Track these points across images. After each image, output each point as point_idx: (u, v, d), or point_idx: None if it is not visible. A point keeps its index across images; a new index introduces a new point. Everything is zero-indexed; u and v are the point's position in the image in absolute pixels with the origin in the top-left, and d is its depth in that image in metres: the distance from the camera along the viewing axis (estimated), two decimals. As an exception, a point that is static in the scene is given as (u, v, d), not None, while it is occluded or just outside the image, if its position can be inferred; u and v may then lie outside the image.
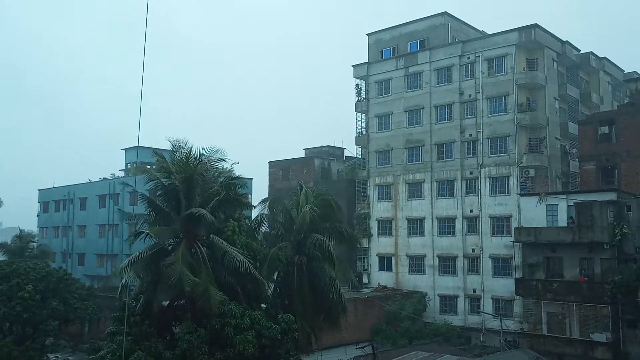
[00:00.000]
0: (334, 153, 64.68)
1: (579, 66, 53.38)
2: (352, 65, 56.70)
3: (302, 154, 64.83)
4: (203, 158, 26.10)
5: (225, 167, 28.67)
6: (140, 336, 24.23)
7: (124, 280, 24.39)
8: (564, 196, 41.03)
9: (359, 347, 31.97)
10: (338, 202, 33.74)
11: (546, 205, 41.15)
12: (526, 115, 46.37)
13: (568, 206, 39.94)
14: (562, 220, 39.97)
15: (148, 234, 24.10)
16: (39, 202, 69.01)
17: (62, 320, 36.54)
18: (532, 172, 45.63)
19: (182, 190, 25.01)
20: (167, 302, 25.52)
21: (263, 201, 31.56)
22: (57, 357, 37.40)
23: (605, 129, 45.72)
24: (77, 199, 62.12)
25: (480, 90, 48.34)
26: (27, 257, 44.64)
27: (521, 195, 44.28)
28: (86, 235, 60.64)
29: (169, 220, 25.66)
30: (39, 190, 69.33)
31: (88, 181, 63.40)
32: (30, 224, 65.22)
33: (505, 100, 47.37)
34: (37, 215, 69.11)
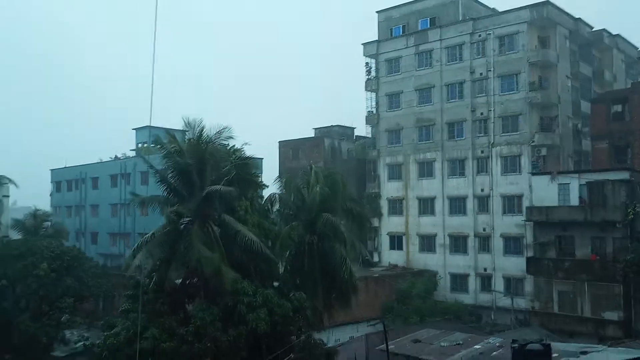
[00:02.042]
0: (344, 132, 64.52)
1: (592, 44, 52.71)
2: (362, 44, 56.31)
3: (312, 134, 64.75)
4: (213, 137, 26.18)
5: (235, 145, 28.77)
6: (154, 313, 24.57)
7: (137, 260, 24.68)
8: (576, 175, 40.84)
9: (371, 325, 32.31)
10: (348, 181, 33.84)
11: (558, 184, 41.01)
12: (538, 94, 45.96)
13: (580, 185, 39.78)
14: (574, 199, 39.85)
15: (174, 212, 24.28)
16: (51, 182, 69.50)
17: (76, 297, 37.10)
18: (543, 151, 45.35)
19: (194, 170, 25.15)
20: (180, 281, 25.85)
21: (278, 179, 31.76)
22: (72, 333, 38.03)
23: (619, 107, 45.35)
24: (89, 178, 62.56)
25: (492, 69, 47.89)
26: (41, 236, 45.18)
27: (533, 174, 44.10)
28: (99, 214, 61.15)
29: (182, 200, 25.84)
30: (51, 170, 69.78)
31: (100, 161, 63.74)
32: (44, 204, 65.80)
33: (516, 78, 46.93)
34: (50, 195, 69.65)
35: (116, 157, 63.39)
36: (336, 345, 33.64)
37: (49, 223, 51.81)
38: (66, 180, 66.52)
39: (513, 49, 47.20)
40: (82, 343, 35.86)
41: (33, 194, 68.30)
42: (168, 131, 28.03)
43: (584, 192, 39.17)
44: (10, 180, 49.17)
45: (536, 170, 44.37)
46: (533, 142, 45.54)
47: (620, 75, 56.27)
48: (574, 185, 40.07)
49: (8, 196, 55.78)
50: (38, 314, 35.69)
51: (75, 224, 63.15)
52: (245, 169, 27.48)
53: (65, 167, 67.05)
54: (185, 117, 26.07)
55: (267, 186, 31.85)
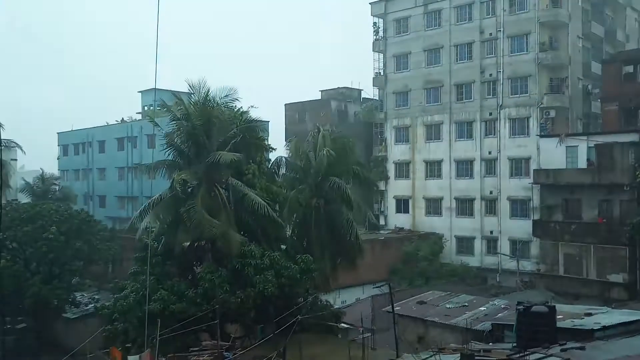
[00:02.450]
0: (351, 95, 63.94)
1: (605, 2, 51.51)
2: (370, 3, 55.26)
3: (318, 96, 64.23)
4: (219, 100, 26.01)
5: (241, 108, 28.60)
6: (163, 276, 24.89)
7: (144, 223, 24.85)
8: (585, 137, 40.46)
9: (376, 287, 32.52)
10: (355, 144, 33.66)
11: (566, 146, 40.69)
12: (548, 55, 45.16)
13: (588, 148, 39.45)
14: (582, 162, 39.60)
15: (181, 180, 24.29)
16: (58, 145, 69.49)
17: (86, 260, 37.53)
18: (552, 113, 44.82)
19: (201, 133, 25.06)
20: (188, 243, 26.04)
21: (287, 143, 31.69)
22: (83, 295, 38.61)
23: (630, 68, 44.43)
24: (96, 142, 62.53)
25: (502, 29, 46.94)
26: (50, 200, 45.47)
27: (541, 136, 43.71)
28: (106, 177, 61.35)
29: (189, 164, 25.84)
30: (58, 133, 69.71)
31: (106, 124, 63.59)
32: (51, 167, 66.01)
33: (526, 39, 46.05)
34: (58, 159, 69.75)
35: (123, 120, 63.22)
36: (343, 306, 34.01)
37: (57, 187, 52.14)
38: (73, 144, 66.49)
39: (524, 8, 46.17)
40: (92, 305, 36.43)
41: (40, 158, 68.51)
42: (174, 94, 27.80)
43: (592, 154, 38.87)
44: (16, 145, 49.32)
45: (544, 133, 43.96)
46: (542, 104, 44.99)
47: (634, 35, 55.13)
48: (582, 147, 39.74)
49: (16, 159, 55.93)
50: (49, 277, 36.16)
51: (83, 188, 63.45)
52: (251, 132, 27.37)
53: (72, 130, 66.94)
54: (190, 79, 25.95)
55: (275, 149, 31.76)
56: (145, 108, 62.46)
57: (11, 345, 35.55)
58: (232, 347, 23.40)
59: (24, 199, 48.35)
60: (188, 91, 26.88)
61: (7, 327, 35.90)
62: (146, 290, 21.84)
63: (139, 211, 26.74)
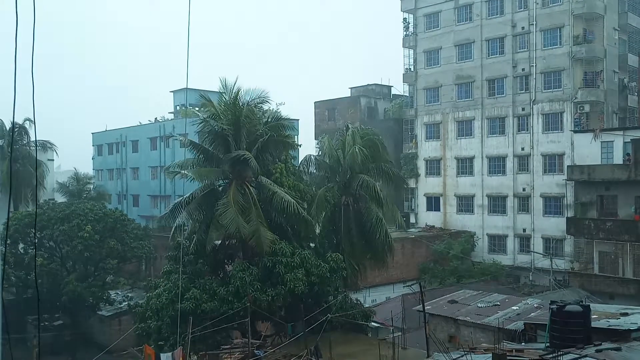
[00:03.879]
0: (381, 91, 63.62)
1: (643, -7, 50.19)
2: (400, -2, 54.93)
3: (348, 93, 64.10)
4: (249, 101, 26.23)
5: (270, 107, 28.75)
6: (195, 274, 25.22)
7: (177, 221, 25.23)
8: (621, 132, 39.50)
9: (407, 285, 32.41)
10: (385, 142, 33.56)
11: (601, 142, 39.84)
12: (582, 48, 44.19)
13: (625, 143, 38.54)
14: (618, 158, 38.69)
15: (198, 175, 24.62)
16: (93, 145, 70.80)
17: (120, 259, 38.17)
18: (586, 108, 43.88)
19: (230, 132, 25.29)
20: (220, 242, 26.31)
21: (318, 141, 31.80)
22: (117, 293, 39.30)
23: (669, 61, 43.31)
24: (129, 141, 63.48)
25: (534, 22, 46.14)
26: (85, 199, 46.40)
27: (575, 132, 42.86)
28: (139, 177, 62.25)
29: (219, 163, 26.10)
30: (92, 133, 71.04)
31: (139, 124, 64.51)
32: (86, 167, 67.30)
33: (560, 32, 45.17)
34: (92, 158, 71.11)
35: (156, 119, 64.05)
36: (373, 305, 33.94)
37: (91, 186, 53.21)
38: (107, 144, 67.65)
39: (557, 1, 45.29)
40: (126, 303, 37.07)
41: (76, 157, 69.92)
42: (204, 94, 28.13)
43: (628, 149, 37.96)
44: (52, 145, 50.43)
45: (579, 128, 43.08)
46: (576, 98, 44.08)
47: (672, 26, 53.60)
48: (618, 142, 38.85)
49: (52, 160, 57.26)
50: (84, 275, 36.95)
51: (117, 187, 64.56)
52: (279, 131, 27.45)
53: (106, 131, 68.15)
54: (222, 78, 26.23)
55: (300, 145, 31.82)
56: (177, 107, 63.18)
57: (48, 342, 36.40)
58: (263, 345, 23.58)
59: (60, 198, 49.44)
60: (219, 89, 27.14)
61: (45, 323, 36.75)
62: (179, 289, 22.14)
63: (168, 209, 27.22)
